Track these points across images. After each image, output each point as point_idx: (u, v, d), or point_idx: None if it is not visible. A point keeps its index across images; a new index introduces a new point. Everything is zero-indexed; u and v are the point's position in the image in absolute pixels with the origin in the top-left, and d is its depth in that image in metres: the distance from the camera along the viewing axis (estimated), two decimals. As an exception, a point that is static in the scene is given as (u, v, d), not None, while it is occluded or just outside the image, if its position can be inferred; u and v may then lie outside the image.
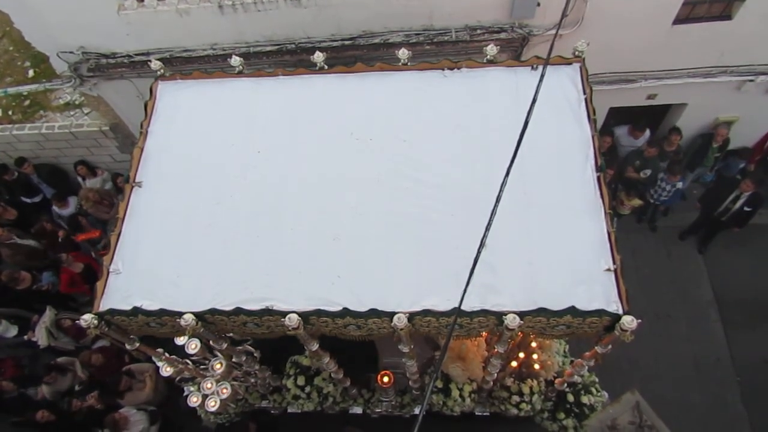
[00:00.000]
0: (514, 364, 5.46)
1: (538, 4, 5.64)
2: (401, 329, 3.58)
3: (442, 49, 6.02)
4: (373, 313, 3.63)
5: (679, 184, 7.73)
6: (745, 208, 7.38)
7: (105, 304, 3.95)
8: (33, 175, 8.44)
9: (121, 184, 8.03)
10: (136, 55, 6.31)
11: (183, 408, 5.72)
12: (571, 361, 5.61)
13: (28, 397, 7.04)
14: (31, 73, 8.61)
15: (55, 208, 8.26)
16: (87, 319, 3.74)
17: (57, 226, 8.22)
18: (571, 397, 5.63)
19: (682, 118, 7.72)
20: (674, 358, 7.65)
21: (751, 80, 6.78)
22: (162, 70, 4.90)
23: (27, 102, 8.51)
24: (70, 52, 6.30)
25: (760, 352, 7.59)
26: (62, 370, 7.02)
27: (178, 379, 5.21)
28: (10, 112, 8.52)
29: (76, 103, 8.24)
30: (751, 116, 7.56)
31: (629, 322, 3.37)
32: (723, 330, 7.87)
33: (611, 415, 4.86)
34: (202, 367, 5.20)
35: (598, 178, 4.04)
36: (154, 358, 4.90)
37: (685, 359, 7.66)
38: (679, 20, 6.05)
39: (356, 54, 6.00)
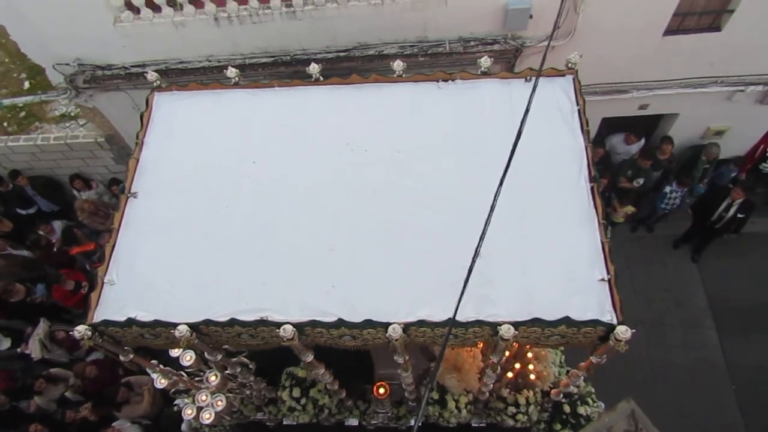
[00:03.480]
0: (510, 374, 5.45)
1: (531, 16, 5.70)
2: (396, 340, 3.58)
3: (436, 61, 6.07)
4: (368, 323, 3.63)
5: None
6: (739, 215, 7.47)
7: (99, 315, 3.92)
8: (27, 187, 8.42)
9: (116, 192, 8.02)
10: (132, 66, 6.34)
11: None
12: (567, 372, 5.61)
13: (21, 410, 6.97)
14: (26, 84, 8.63)
15: (41, 233, 8.21)
16: (81, 330, 3.71)
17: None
18: (567, 408, 5.61)
19: (673, 128, 7.80)
20: (670, 365, 7.68)
21: (742, 90, 6.87)
22: (158, 81, 4.92)
23: (23, 113, 8.52)
24: (66, 64, 6.33)
25: (755, 359, 7.62)
26: (53, 380, 6.97)
27: (172, 391, 5.18)
28: (5, 124, 8.53)
29: (72, 114, 8.26)
30: (742, 126, 7.65)
31: (623, 332, 3.38)
32: (718, 337, 7.91)
33: (607, 424, 4.83)
34: (196, 378, 5.17)
35: (592, 188, 4.06)
36: (148, 370, 4.86)
37: (681, 367, 7.69)
38: (669, 32, 6.14)
39: (351, 66, 6.05)
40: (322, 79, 4.84)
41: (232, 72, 4.85)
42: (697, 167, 7.97)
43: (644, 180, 7.85)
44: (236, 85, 4.90)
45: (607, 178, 7.87)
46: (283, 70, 6.20)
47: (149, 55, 6.23)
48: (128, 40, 6.04)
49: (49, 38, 6.07)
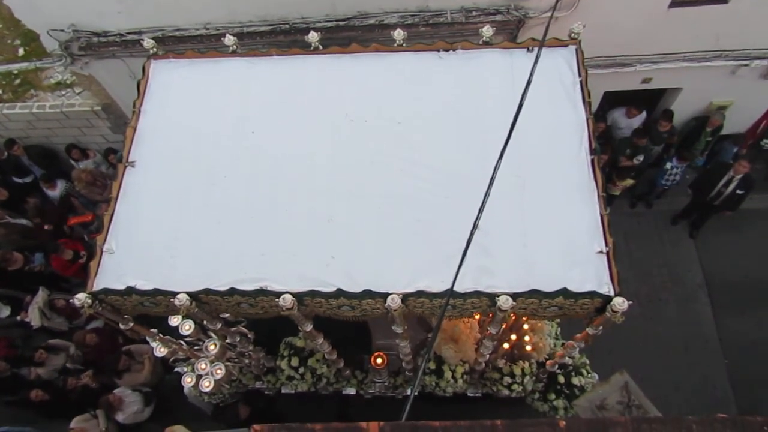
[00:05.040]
0: (506, 345, 5.52)
1: (535, -14, 5.60)
2: (395, 310, 3.60)
3: (438, 31, 5.97)
4: (367, 294, 3.65)
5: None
6: (738, 191, 7.45)
7: (99, 283, 3.94)
8: (24, 156, 8.36)
9: (113, 161, 7.97)
10: (128, 33, 6.22)
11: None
12: (563, 343, 5.68)
13: (22, 377, 7.05)
14: (21, 51, 8.46)
15: (44, 189, 8.21)
16: (81, 298, 3.73)
17: (49, 208, 8.16)
18: (561, 379, 5.71)
19: (676, 103, 7.73)
20: (663, 339, 7.76)
21: (746, 65, 6.78)
22: (155, 49, 4.83)
23: (17, 81, 8.38)
24: (61, 30, 6.20)
25: (747, 335, 7.70)
26: (53, 350, 7.04)
27: (172, 359, 5.23)
28: (0, 92, 8.40)
29: (68, 82, 8.12)
30: (745, 101, 7.58)
31: (620, 303, 3.41)
32: (712, 313, 7.98)
33: (600, 396, 4.93)
34: (196, 347, 5.22)
35: (592, 161, 4.05)
36: (147, 338, 4.91)
37: (675, 341, 7.77)
38: (675, 3, 6.03)
39: (351, 35, 5.93)
40: (321, 48, 4.76)
41: (230, 40, 4.77)
42: (700, 140, 7.93)
43: (644, 157, 7.82)
44: (234, 53, 4.82)
45: (608, 154, 7.83)
46: (282, 39, 6.09)
47: (145, 21, 6.10)
48: (123, 5, 5.91)
49: (43, 3, 5.92)
